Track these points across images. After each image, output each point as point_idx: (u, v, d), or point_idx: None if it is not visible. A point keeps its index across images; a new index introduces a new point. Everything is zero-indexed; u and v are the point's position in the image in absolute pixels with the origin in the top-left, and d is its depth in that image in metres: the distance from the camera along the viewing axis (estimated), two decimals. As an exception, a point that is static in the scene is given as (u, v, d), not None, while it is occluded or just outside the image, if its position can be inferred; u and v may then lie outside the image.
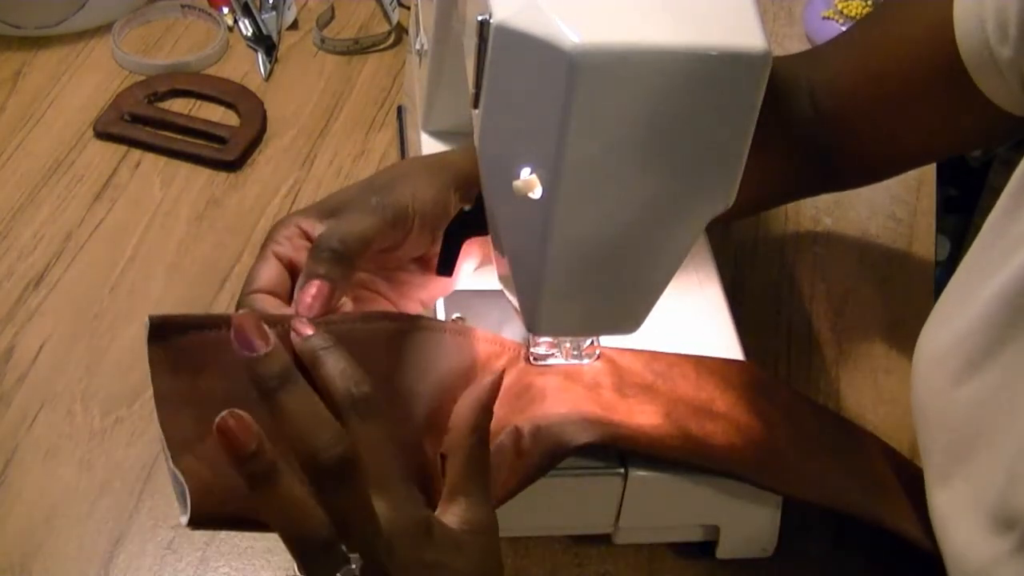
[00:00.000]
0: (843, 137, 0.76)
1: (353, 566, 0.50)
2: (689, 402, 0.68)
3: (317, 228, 0.63)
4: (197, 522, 0.53)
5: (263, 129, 0.99)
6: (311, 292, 0.60)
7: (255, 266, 0.63)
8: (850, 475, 0.69)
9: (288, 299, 0.62)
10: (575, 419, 0.63)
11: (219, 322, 0.57)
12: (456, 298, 0.72)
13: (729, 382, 0.69)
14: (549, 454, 0.62)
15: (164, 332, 0.57)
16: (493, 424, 0.63)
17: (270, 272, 0.62)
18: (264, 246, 0.64)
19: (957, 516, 0.60)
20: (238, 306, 0.62)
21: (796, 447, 0.68)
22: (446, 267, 0.66)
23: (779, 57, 0.73)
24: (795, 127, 0.75)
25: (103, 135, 0.97)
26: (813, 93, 0.76)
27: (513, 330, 0.69)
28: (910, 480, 0.71)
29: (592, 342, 0.69)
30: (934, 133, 0.74)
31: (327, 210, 0.64)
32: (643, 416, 0.65)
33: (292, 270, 0.63)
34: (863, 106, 0.74)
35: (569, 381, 0.67)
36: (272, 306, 0.61)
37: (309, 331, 0.56)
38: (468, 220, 0.65)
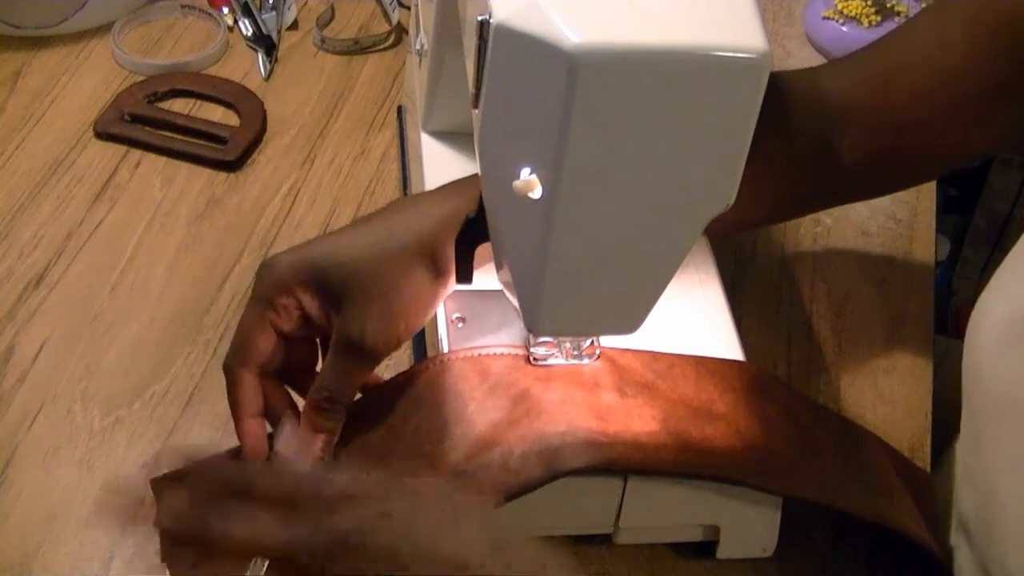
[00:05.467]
0: (893, 139, 0.74)
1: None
2: (689, 403, 0.68)
3: (313, 306, 0.63)
4: None
5: (263, 129, 0.99)
6: (319, 445, 0.63)
7: (249, 328, 0.64)
8: (851, 474, 0.69)
9: (279, 374, 0.66)
10: (570, 441, 0.63)
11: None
12: (456, 298, 0.72)
13: (729, 383, 0.69)
14: (539, 475, 0.62)
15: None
16: (488, 433, 0.64)
17: (267, 344, 0.64)
18: (257, 305, 0.64)
19: (1015, 472, 0.60)
20: (229, 373, 0.65)
21: (796, 447, 0.68)
22: (464, 276, 0.67)
23: (795, 71, 0.73)
24: (804, 138, 0.74)
25: (103, 135, 0.97)
26: (847, 100, 0.74)
27: (513, 330, 0.69)
28: (911, 479, 0.71)
29: (592, 342, 0.69)
30: (997, 130, 0.73)
31: (322, 282, 0.63)
32: (641, 422, 0.65)
33: (285, 341, 0.65)
34: (931, 105, 0.72)
35: (568, 385, 0.67)
36: (257, 436, 0.64)
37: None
38: (476, 226, 0.65)
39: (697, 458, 0.65)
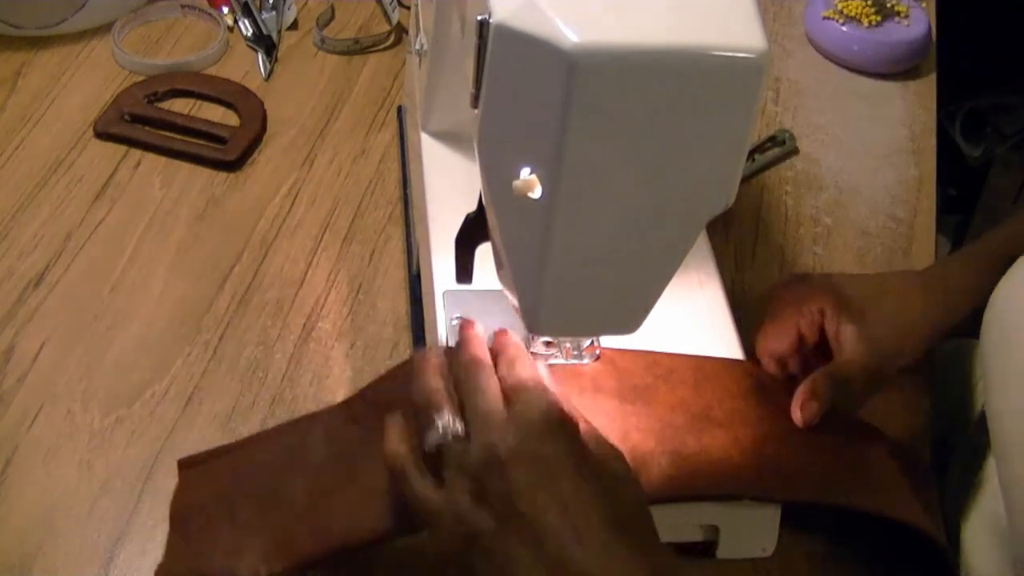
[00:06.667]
0: None
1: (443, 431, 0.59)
2: (688, 408, 0.68)
3: (831, 318, 0.72)
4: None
5: (263, 129, 0.99)
6: (810, 412, 0.69)
7: (773, 326, 0.73)
8: (852, 470, 0.69)
9: (788, 359, 0.73)
10: None
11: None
12: (456, 298, 0.72)
13: (727, 388, 0.69)
14: None
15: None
16: None
17: (785, 342, 0.73)
18: (785, 313, 0.73)
19: None
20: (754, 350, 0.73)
21: (795, 449, 0.68)
22: (464, 275, 0.67)
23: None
24: None
25: (103, 135, 0.97)
26: None
27: (513, 330, 0.69)
28: (915, 474, 0.71)
29: (592, 342, 0.69)
30: None
31: (847, 309, 0.72)
32: (638, 435, 0.65)
33: (800, 340, 0.73)
34: None
35: (567, 389, 0.67)
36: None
37: None
38: (476, 226, 0.65)
39: (691, 479, 0.65)
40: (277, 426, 0.72)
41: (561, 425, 0.58)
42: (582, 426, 0.60)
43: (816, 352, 0.73)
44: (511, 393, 0.59)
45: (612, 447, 0.60)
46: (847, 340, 0.71)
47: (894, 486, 0.69)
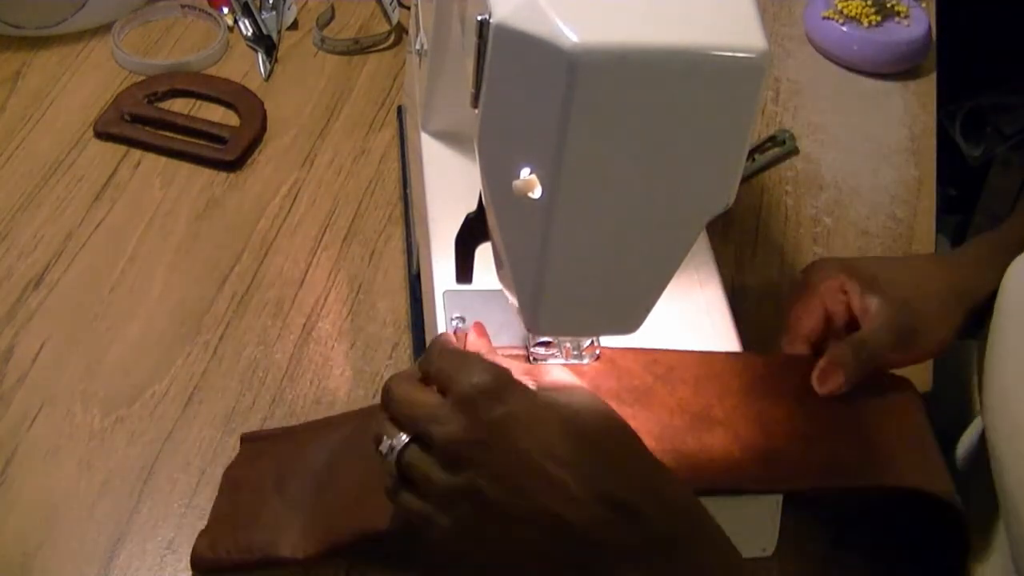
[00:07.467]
0: None
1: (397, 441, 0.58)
2: (687, 409, 0.67)
3: (854, 291, 0.72)
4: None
5: (263, 129, 0.99)
6: (830, 381, 0.70)
7: (800, 309, 0.74)
8: (856, 449, 0.68)
9: (815, 339, 0.74)
10: None
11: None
12: (456, 298, 0.72)
13: (728, 384, 0.69)
14: None
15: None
16: None
17: (813, 322, 0.74)
18: (809, 292, 0.74)
19: None
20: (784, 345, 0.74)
21: (800, 440, 0.68)
22: (464, 275, 0.67)
23: None
24: None
25: (103, 135, 0.98)
26: None
27: (513, 330, 0.69)
28: (923, 437, 0.70)
29: (592, 342, 0.69)
30: None
31: (865, 279, 0.72)
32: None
33: (828, 317, 0.74)
34: None
35: None
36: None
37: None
38: (476, 226, 0.65)
39: (692, 474, 0.64)
40: (343, 413, 0.74)
41: (502, 386, 0.57)
42: (523, 375, 0.60)
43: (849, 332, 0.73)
44: (442, 380, 0.58)
45: (569, 384, 0.61)
46: (872, 307, 0.71)
47: (900, 455, 0.68)
